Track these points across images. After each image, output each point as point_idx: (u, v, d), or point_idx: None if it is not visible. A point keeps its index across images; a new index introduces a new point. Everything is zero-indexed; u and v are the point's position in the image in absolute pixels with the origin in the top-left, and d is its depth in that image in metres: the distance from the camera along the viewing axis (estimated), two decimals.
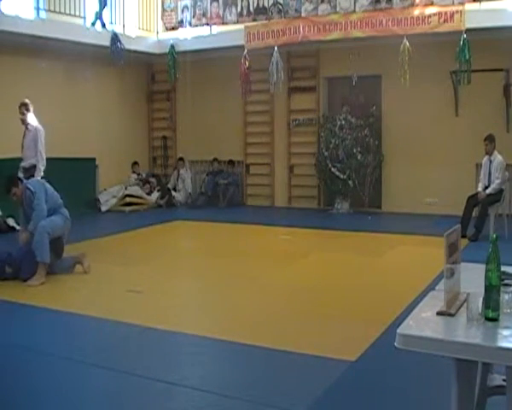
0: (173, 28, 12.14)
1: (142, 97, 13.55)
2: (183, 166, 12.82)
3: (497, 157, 8.46)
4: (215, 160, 12.55)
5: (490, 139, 8.50)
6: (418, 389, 3.61)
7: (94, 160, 11.65)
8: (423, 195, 10.89)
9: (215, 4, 11.53)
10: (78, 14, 10.81)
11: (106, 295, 5.78)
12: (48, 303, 5.41)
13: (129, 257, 7.59)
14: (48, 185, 6.51)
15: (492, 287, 2.17)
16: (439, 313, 2.27)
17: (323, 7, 10.42)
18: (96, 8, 11.19)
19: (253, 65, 11.16)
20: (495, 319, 2.17)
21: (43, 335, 4.72)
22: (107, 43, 10.88)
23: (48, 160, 9.10)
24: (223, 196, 12.31)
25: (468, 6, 9.33)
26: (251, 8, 11.17)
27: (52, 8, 10.26)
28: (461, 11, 9.29)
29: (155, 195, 12.40)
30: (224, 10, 11.42)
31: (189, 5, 11.87)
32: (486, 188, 8.44)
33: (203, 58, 12.09)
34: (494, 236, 2.27)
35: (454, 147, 10.54)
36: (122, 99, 12.62)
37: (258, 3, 11.12)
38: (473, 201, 8.48)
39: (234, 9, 11.33)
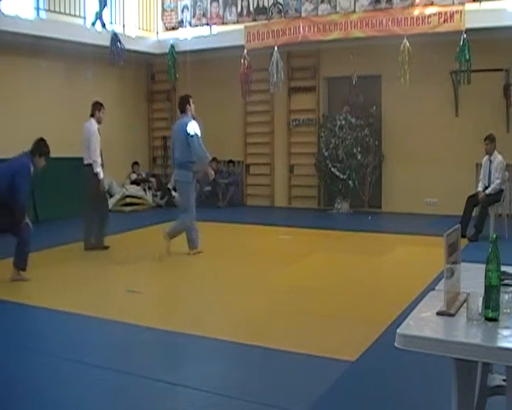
0: (173, 28, 12.15)
1: (142, 97, 13.55)
2: None
3: (497, 157, 8.46)
4: (214, 159, 12.56)
5: (490, 139, 8.50)
6: (418, 389, 3.61)
7: None
8: (423, 195, 10.89)
9: (215, 4, 11.53)
10: (78, 14, 10.81)
11: (106, 295, 5.78)
12: (47, 303, 5.40)
13: (129, 257, 7.58)
14: None
15: (492, 287, 2.17)
16: (438, 313, 2.27)
17: (323, 7, 10.42)
18: (96, 8, 11.19)
19: (253, 65, 11.16)
20: (495, 319, 2.17)
21: (43, 335, 4.73)
22: (107, 43, 10.87)
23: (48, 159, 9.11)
24: (223, 195, 12.32)
25: (468, 6, 9.33)
26: (251, 8, 11.17)
27: (52, 8, 10.26)
28: (461, 11, 9.30)
29: (150, 194, 12.39)
30: (224, 10, 11.42)
31: (189, 5, 11.87)
32: (486, 188, 8.44)
33: (203, 58, 12.09)
34: (494, 236, 2.26)
35: (454, 147, 10.54)
36: (122, 99, 12.62)
37: (258, 3, 11.12)
38: (473, 201, 8.48)
39: (234, 9, 11.33)
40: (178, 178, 7.56)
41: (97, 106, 7.92)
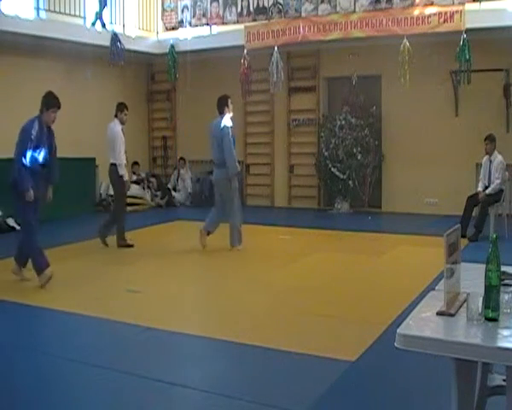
0: (173, 28, 12.15)
1: (142, 97, 13.55)
2: (184, 167, 12.83)
3: (498, 157, 8.46)
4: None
5: (490, 139, 8.50)
6: (418, 389, 3.61)
7: (94, 160, 11.65)
8: (423, 195, 10.89)
9: (215, 4, 11.53)
10: (78, 14, 10.81)
11: (106, 295, 5.77)
12: (47, 303, 5.40)
13: (129, 257, 7.59)
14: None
15: (492, 287, 2.17)
16: (438, 313, 2.27)
17: (323, 7, 10.42)
18: (96, 8, 11.19)
19: (253, 65, 11.16)
20: (495, 319, 2.17)
21: (43, 334, 4.72)
22: (107, 43, 10.87)
23: None
24: None
25: (468, 6, 9.34)
26: (251, 8, 11.18)
27: (52, 8, 10.26)
28: (461, 11, 9.30)
29: (149, 194, 12.45)
30: (224, 10, 11.43)
31: (188, 5, 11.87)
32: (486, 188, 8.44)
33: (203, 58, 12.09)
34: (494, 236, 2.27)
35: (454, 147, 10.55)
36: (122, 99, 12.54)
37: (258, 3, 11.12)
38: (473, 201, 8.48)
39: (234, 9, 11.34)
40: (216, 177, 7.76)
41: (120, 107, 8.07)
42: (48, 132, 6.03)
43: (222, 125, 7.49)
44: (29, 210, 5.89)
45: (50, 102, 6.00)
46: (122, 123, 8.00)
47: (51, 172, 6.10)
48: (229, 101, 7.71)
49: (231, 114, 7.69)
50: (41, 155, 5.93)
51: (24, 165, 5.79)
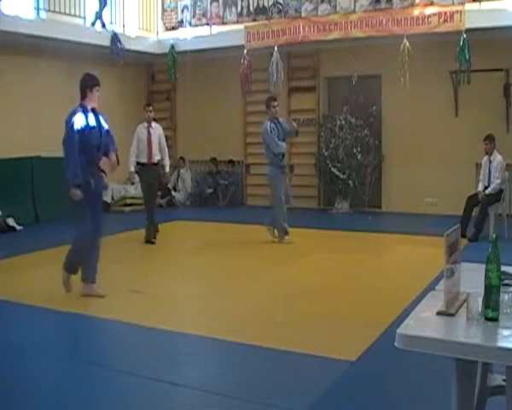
0: (173, 28, 12.16)
1: (142, 97, 13.53)
2: (184, 166, 12.83)
3: (497, 157, 8.46)
4: (213, 159, 12.61)
5: (490, 139, 8.50)
6: (418, 389, 3.61)
7: None
8: (423, 195, 10.89)
9: (215, 4, 11.53)
10: (78, 14, 10.81)
11: (107, 295, 5.76)
12: (48, 303, 5.40)
13: (129, 257, 7.59)
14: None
15: (492, 287, 2.17)
16: (439, 313, 2.27)
17: (323, 7, 10.42)
18: (96, 8, 11.19)
19: (253, 65, 11.16)
20: (495, 319, 2.17)
21: (44, 334, 4.72)
22: (107, 43, 10.87)
23: (48, 159, 9.08)
24: (223, 196, 12.34)
25: (468, 6, 9.34)
26: (251, 8, 11.19)
27: (52, 8, 10.26)
28: (461, 11, 9.31)
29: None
30: (224, 10, 11.43)
31: (189, 5, 11.88)
32: (486, 188, 8.44)
33: (203, 58, 12.09)
34: (494, 236, 2.27)
35: (454, 147, 10.54)
36: (122, 99, 12.61)
37: (258, 3, 11.13)
38: (473, 201, 8.49)
39: (234, 9, 11.34)
40: (266, 174, 8.44)
41: (144, 107, 8.68)
42: (95, 115, 5.85)
43: (264, 125, 8.21)
44: (80, 209, 5.50)
45: (90, 81, 5.90)
46: (147, 121, 8.48)
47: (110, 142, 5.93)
48: (272, 104, 8.19)
49: (273, 114, 8.20)
50: (95, 141, 5.69)
51: (75, 158, 5.47)
